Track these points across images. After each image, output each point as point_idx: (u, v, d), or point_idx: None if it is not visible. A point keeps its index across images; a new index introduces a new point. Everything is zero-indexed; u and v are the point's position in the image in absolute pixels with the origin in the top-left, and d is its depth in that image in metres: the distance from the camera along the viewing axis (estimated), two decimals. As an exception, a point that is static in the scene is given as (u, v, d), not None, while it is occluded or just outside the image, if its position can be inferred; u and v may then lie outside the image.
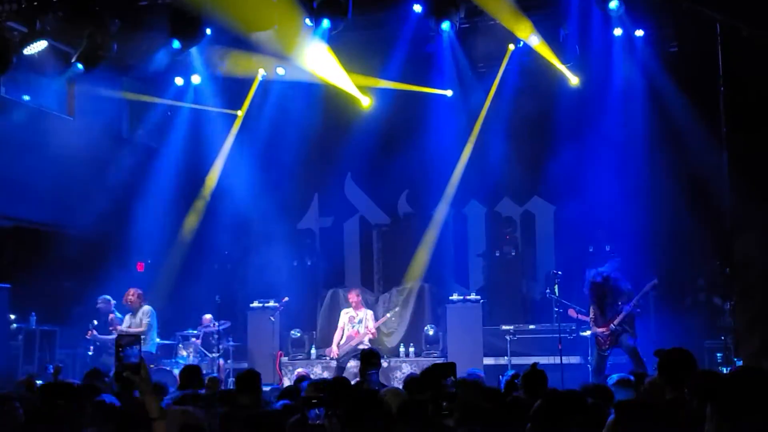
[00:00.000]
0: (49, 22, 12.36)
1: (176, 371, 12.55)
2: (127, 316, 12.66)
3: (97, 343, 12.76)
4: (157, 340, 12.97)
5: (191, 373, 8.32)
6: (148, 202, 14.57)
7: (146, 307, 12.61)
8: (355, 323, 13.36)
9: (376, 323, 13.44)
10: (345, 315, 13.55)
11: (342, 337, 13.38)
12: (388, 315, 13.69)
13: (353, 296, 13.62)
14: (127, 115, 15.41)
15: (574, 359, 12.71)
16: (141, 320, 12.47)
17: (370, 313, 13.56)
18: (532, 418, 3.39)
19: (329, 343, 13.62)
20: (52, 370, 11.25)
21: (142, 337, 11.66)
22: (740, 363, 10.70)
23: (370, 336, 13.30)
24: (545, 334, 13.18)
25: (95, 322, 12.78)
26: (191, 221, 15.52)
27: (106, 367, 10.01)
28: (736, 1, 11.11)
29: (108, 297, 12.91)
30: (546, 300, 12.94)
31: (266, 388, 8.22)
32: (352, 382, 7.18)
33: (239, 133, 15.75)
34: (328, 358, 13.59)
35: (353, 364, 12.44)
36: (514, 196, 15.75)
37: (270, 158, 15.54)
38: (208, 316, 14.01)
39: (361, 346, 12.66)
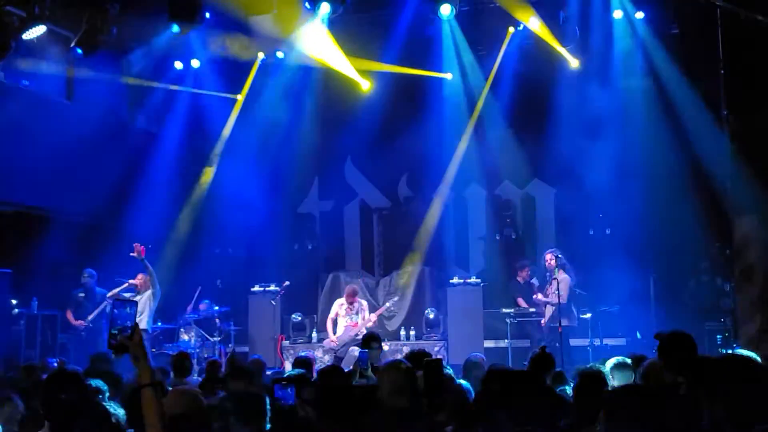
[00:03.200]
0: (48, 7, 12.33)
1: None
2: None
3: (90, 325, 12.80)
4: (158, 323, 13.01)
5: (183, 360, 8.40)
6: (149, 186, 14.54)
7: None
8: (352, 314, 13.08)
9: (374, 314, 13.22)
10: (339, 306, 13.19)
11: (337, 328, 13.11)
12: (387, 304, 13.60)
13: (350, 293, 13.24)
14: (126, 100, 15.35)
15: (582, 342, 12.76)
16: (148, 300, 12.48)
17: (365, 303, 13.33)
18: None
19: (329, 328, 13.55)
20: (56, 365, 11.28)
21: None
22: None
23: (369, 325, 12.98)
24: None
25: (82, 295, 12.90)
26: (192, 205, 15.51)
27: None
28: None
29: (92, 270, 13.06)
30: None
31: (267, 372, 8.27)
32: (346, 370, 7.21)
33: (239, 117, 15.73)
34: (327, 347, 13.51)
35: (353, 349, 12.41)
36: (514, 179, 15.69)
37: (270, 142, 15.51)
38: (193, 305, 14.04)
39: (359, 336, 12.58)
